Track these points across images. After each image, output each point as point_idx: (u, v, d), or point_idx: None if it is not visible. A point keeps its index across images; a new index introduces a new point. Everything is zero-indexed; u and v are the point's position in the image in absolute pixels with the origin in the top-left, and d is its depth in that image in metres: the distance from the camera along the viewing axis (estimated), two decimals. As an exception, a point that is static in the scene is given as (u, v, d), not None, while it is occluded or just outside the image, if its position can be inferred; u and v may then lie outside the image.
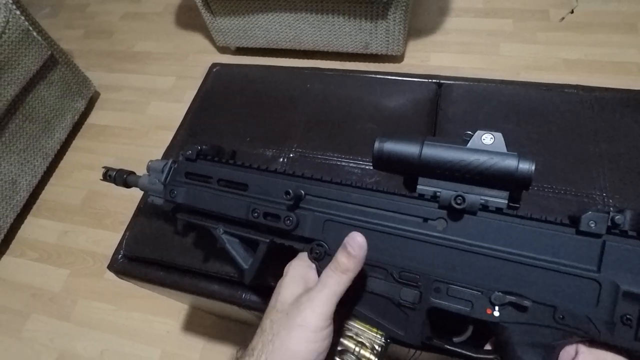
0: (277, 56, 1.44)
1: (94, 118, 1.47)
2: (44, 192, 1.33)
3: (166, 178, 0.47)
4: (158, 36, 1.66)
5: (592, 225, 0.31)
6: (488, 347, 0.35)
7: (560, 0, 1.42)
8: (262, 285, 0.50)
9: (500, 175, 0.32)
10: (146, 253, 0.61)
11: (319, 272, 0.35)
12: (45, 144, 1.30)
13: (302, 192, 0.39)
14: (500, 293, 0.32)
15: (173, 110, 1.39)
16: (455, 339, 0.35)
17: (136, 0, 1.83)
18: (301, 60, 1.41)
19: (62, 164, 1.39)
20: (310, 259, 0.37)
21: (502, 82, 0.68)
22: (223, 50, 1.52)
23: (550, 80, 1.24)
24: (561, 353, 0.32)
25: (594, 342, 0.31)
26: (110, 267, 0.65)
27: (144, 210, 0.65)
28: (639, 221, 0.31)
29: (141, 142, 1.37)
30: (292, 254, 0.39)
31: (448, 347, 0.35)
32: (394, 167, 0.36)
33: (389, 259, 0.36)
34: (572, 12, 1.38)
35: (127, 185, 0.51)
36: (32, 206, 1.29)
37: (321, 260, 0.37)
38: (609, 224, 0.31)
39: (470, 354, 0.34)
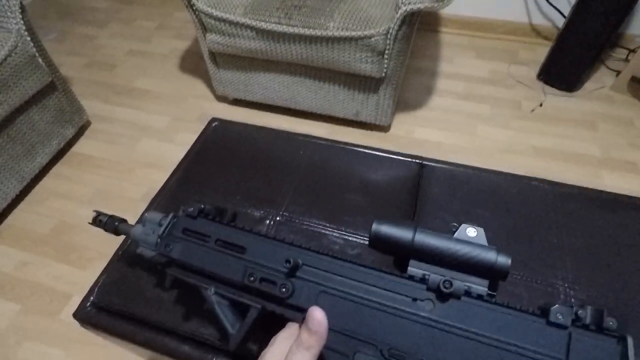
0: (271, 112, 1.51)
1: (80, 147, 1.47)
2: (10, 216, 1.27)
3: (164, 231, 0.47)
4: (159, 76, 1.71)
5: (560, 317, 0.34)
6: None
7: (530, 94, 1.58)
8: (244, 353, 0.49)
9: (482, 266, 0.37)
10: (118, 304, 0.59)
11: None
12: (23, 167, 1.26)
13: (300, 261, 0.40)
14: None
15: (163, 150, 1.41)
16: None
17: (145, 40, 1.91)
18: (293, 119, 1.49)
19: (36, 189, 1.35)
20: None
21: (478, 169, 0.74)
22: (221, 99, 1.58)
23: (521, 164, 1.36)
24: None
25: None
26: (76, 315, 0.61)
27: (122, 257, 0.63)
28: (597, 316, 0.34)
29: (124, 178, 1.36)
30: (279, 324, 0.39)
31: None
32: (387, 248, 0.40)
33: (379, 335, 0.36)
34: (541, 105, 1.54)
35: (117, 232, 0.51)
36: (-7, 230, 1.23)
37: None
38: (573, 317, 0.34)
39: None
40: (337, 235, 0.64)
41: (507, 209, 0.67)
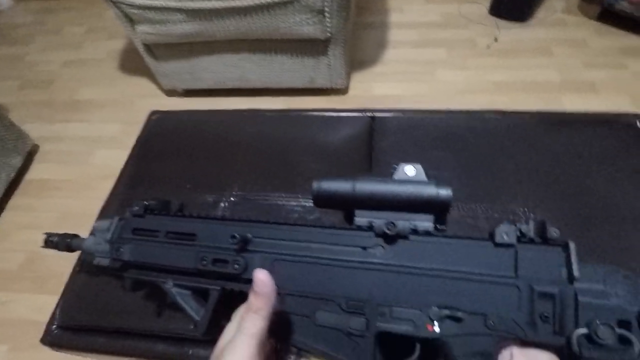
0: (225, 96, 1.45)
1: (33, 173, 1.39)
2: (-25, 261, 1.22)
3: (112, 236, 0.46)
4: (101, 83, 1.62)
5: (505, 236, 0.35)
6: None
7: (484, 31, 1.56)
8: (215, 336, 0.49)
9: (424, 202, 0.36)
10: (83, 320, 0.57)
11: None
12: (-23, 207, 1.20)
13: (249, 235, 0.40)
14: (436, 308, 0.35)
15: (119, 159, 1.31)
16: None
17: (77, 47, 1.80)
18: (250, 99, 1.43)
19: (-3, 226, 1.29)
20: None
21: (428, 111, 0.72)
22: (170, 93, 1.51)
23: (482, 102, 1.35)
24: (498, 358, 0.34)
25: (524, 343, 0.33)
26: (44, 340, 0.59)
27: (79, 273, 0.61)
28: (541, 229, 0.35)
29: (85, 194, 1.30)
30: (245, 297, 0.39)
31: None
32: (332, 203, 0.40)
33: (336, 290, 0.37)
34: (495, 40, 1.52)
35: (71, 249, 0.50)
36: (-37, 278, 1.17)
37: None
38: (518, 234, 0.35)
39: None
40: (295, 203, 0.61)
41: (462, 145, 0.66)
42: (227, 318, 0.38)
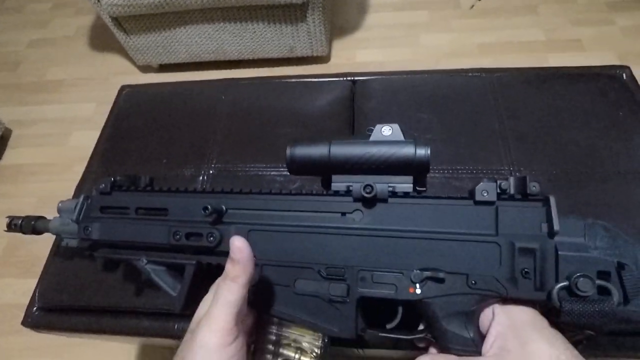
0: (203, 69, 1.39)
1: (7, 159, 1.34)
2: (-43, 251, 1.19)
3: (79, 215, 0.45)
4: (72, 61, 1.54)
5: (485, 194, 0.35)
6: (421, 327, 0.36)
7: (468, -10, 1.51)
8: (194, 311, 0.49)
9: (402, 163, 0.35)
10: (64, 301, 0.56)
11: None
12: (-49, 196, 1.16)
13: (223, 207, 0.39)
14: (418, 271, 0.34)
15: (97, 138, 1.31)
16: (388, 325, 0.37)
17: (44, 26, 1.70)
18: (229, 71, 1.38)
19: (-25, 214, 1.25)
20: None
21: (410, 72, 0.70)
22: (145, 69, 1.45)
23: (468, 65, 1.31)
24: (481, 317, 0.34)
25: (505, 300, 0.33)
26: (25, 322, 0.59)
27: (57, 255, 0.60)
28: (521, 184, 0.34)
29: (65, 177, 1.26)
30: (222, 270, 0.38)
31: (382, 334, 0.36)
32: (307, 169, 0.38)
33: (315, 257, 0.36)
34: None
35: (36, 232, 0.48)
36: (-56, 269, 1.15)
37: None
38: (498, 190, 0.34)
39: (403, 337, 0.35)
40: (276, 173, 0.60)
41: (446, 106, 0.64)
42: (206, 292, 0.37)
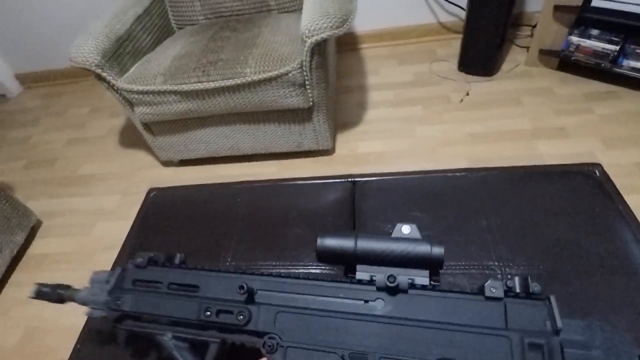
0: (219, 163, 1.53)
1: (35, 248, 1.43)
2: (-24, 338, 1.21)
3: (113, 286, 0.46)
4: (102, 158, 1.71)
5: (493, 290, 0.38)
6: None
7: (456, 86, 1.69)
8: None
9: (419, 258, 0.40)
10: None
11: None
12: (-22, 286, 1.22)
13: (254, 287, 0.42)
14: None
15: (119, 229, 1.38)
16: None
17: (81, 127, 1.92)
18: (242, 164, 1.51)
19: (-2, 303, 1.30)
20: (263, 352, 0.39)
21: (403, 173, 0.78)
22: (167, 163, 1.59)
23: (461, 153, 1.43)
24: None
25: None
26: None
27: (83, 345, 0.62)
28: (524, 284, 0.38)
29: (86, 265, 1.33)
30: (244, 351, 0.40)
31: None
32: (334, 258, 0.43)
33: (338, 342, 0.38)
34: (467, 94, 1.64)
35: (62, 300, 0.49)
36: (-39, 358, 1.17)
37: (274, 352, 0.38)
38: (505, 288, 0.38)
39: None
40: (284, 271, 0.65)
41: (436, 204, 0.71)
42: None
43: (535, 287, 0.37)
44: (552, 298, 0.37)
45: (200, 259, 0.69)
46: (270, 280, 0.43)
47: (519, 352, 0.35)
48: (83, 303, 0.48)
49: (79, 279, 1.35)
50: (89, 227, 1.45)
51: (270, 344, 0.39)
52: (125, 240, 0.80)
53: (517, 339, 0.35)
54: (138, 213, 0.85)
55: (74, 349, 0.61)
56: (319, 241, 0.43)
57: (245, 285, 0.40)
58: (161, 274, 0.46)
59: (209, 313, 0.41)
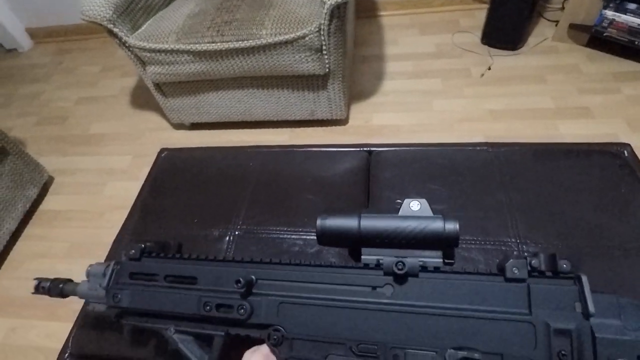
0: (230, 128, 1.51)
1: (47, 204, 1.45)
2: (-10, 288, 1.26)
3: (108, 282, 0.44)
4: (113, 117, 1.70)
5: (516, 271, 0.34)
6: None
7: (478, 59, 1.62)
8: None
9: (432, 237, 0.36)
10: (96, 349, 0.60)
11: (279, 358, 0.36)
12: (-7, 237, 1.25)
13: (253, 277, 0.39)
14: (452, 350, 0.33)
15: (130, 189, 1.40)
16: None
17: (92, 85, 1.89)
18: (254, 130, 1.49)
19: (11, 255, 1.33)
20: (268, 345, 0.37)
21: (422, 144, 0.76)
22: (178, 126, 1.58)
23: (479, 130, 1.38)
24: None
25: None
26: (56, 367, 0.62)
27: (79, 330, 0.63)
28: (551, 262, 0.34)
29: (97, 224, 1.35)
30: (250, 341, 0.39)
31: None
32: (337, 241, 0.39)
33: (346, 332, 0.36)
34: (489, 68, 1.57)
35: (63, 295, 0.48)
36: (-24, 305, 1.21)
37: (280, 345, 0.37)
38: (529, 268, 0.34)
39: None
40: (296, 237, 0.65)
41: (455, 178, 0.69)
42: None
43: (564, 265, 0.33)
44: (584, 277, 0.33)
45: (211, 223, 0.68)
46: (270, 268, 0.40)
47: (544, 339, 0.32)
48: (84, 297, 0.47)
49: (90, 237, 1.38)
50: (99, 186, 1.46)
51: (275, 336, 0.37)
52: (136, 200, 0.80)
53: (542, 324, 0.32)
54: (149, 172, 0.85)
55: (69, 335, 0.62)
56: (319, 222, 0.38)
57: (241, 280, 0.38)
58: (157, 265, 0.44)
59: (208, 308, 0.39)
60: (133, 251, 0.45)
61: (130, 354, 0.57)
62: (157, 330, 0.42)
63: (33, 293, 0.49)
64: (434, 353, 0.34)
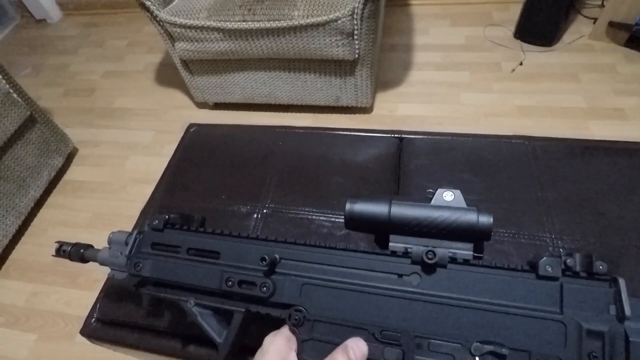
0: (253, 110, 1.51)
1: (71, 174, 1.48)
2: (14, 252, 1.29)
3: (131, 250, 0.44)
4: (138, 93, 1.71)
5: (549, 269, 0.33)
6: None
7: (509, 54, 1.57)
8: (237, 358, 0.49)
9: (464, 229, 0.35)
10: (120, 316, 0.61)
11: (299, 341, 0.35)
12: (19, 203, 1.28)
13: (277, 256, 0.39)
14: (478, 343, 0.32)
15: (151, 164, 1.42)
16: None
17: (119, 60, 1.91)
18: (277, 114, 1.49)
19: (35, 221, 1.37)
20: (289, 325, 0.37)
21: (457, 134, 0.74)
22: (201, 105, 1.58)
23: (507, 126, 1.35)
24: None
25: None
26: (83, 331, 0.64)
27: (102, 302, 0.64)
28: (587, 262, 0.33)
29: (118, 197, 1.37)
30: (269, 323, 0.38)
31: None
32: (365, 226, 0.38)
33: (369, 318, 0.35)
34: (521, 64, 1.53)
35: (84, 260, 0.48)
36: (0, 267, 1.25)
37: (301, 326, 0.36)
38: (563, 267, 0.33)
39: None
40: (325, 219, 0.64)
41: (489, 170, 0.68)
42: (249, 339, 0.38)
43: (600, 266, 0.32)
44: (621, 280, 0.32)
45: (239, 200, 0.68)
46: (294, 249, 0.40)
47: (574, 340, 0.31)
48: (104, 264, 0.47)
49: (111, 209, 1.41)
50: (122, 159, 1.48)
51: (297, 317, 0.36)
52: (164, 173, 0.81)
53: (573, 324, 0.31)
54: (177, 147, 0.85)
55: (95, 302, 0.63)
56: (348, 206, 0.38)
57: (267, 258, 0.37)
58: (180, 237, 0.43)
59: (230, 283, 0.39)
60: (156, 221, 0.45)
61: (150, 322, 0.58)
62: (176, 301, 0.42)
63: (54, 256, 0.49)
64: (459, 345, 0.33)
